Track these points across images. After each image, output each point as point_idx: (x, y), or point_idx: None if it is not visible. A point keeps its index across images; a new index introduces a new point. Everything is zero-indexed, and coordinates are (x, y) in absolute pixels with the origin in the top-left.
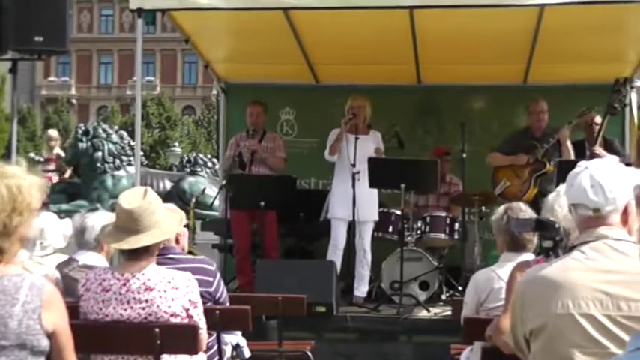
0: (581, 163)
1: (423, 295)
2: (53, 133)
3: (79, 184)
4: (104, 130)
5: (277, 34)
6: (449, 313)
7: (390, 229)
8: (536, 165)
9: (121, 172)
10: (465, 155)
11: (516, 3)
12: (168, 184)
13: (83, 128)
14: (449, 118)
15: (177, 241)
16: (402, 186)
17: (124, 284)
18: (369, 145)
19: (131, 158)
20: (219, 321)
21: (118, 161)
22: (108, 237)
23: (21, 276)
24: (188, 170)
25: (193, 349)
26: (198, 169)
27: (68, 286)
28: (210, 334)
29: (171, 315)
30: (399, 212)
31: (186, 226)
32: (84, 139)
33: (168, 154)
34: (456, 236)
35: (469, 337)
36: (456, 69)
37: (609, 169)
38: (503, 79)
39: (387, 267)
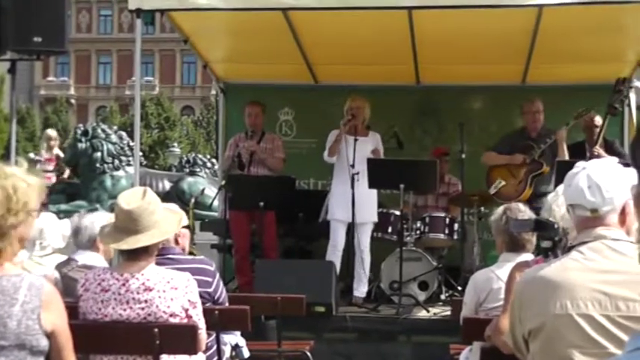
0: (579, 164)
1: (422, 296)
2: (52, 132)
3: (78, 184)
4: (103, 131)
5: (276, 35)
6: (448, 313)
7: (389, 230)
8: (532, 165)
9: (120, 173)
10: (463, 155)
11: (515, 3)
12: (168, 185)
13: (82, 128)
14: (448, 119)
15: (176, 241)
16: (401, 186)
17: (123, 284)
18: (368, 146)
19: (130, 158)
20: (218, 321)
21: (117, 161)
22: (107, 237)
23: (20, 276)
24: (187, 170)
25: (192, 350)
26: (198, 170)
27: (67, 287)
28: (209, 335)
29: (171, 315)
30: (398, 212)
31: (187, 226)
32: (83, 139)
33: (167, 154)
34: (455, 236)
35: (468, 337)
36: (455, 69)
37: (607, 170)
38: (501, 79)
39: (386, 267)
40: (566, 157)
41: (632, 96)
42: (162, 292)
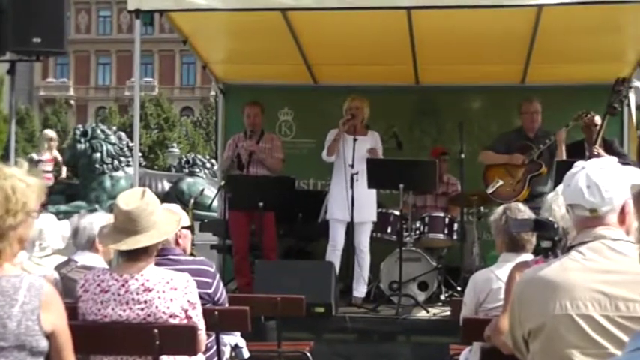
0: (578, 164)
1: (421, 296)
2: (52, 133)
3: (77, 185)
4: (102, 131)
5: (275, 35)
6: (448, 313)
7: (389, 230)
8: (531, 166)
9: (120, 173)
10: (463, 155)
11: (515, 3)
12: (167, 185)
13: (81, 129)
14: (447, 119)
15: (177, 242)
16: (401, 186)
17: (123, 285)
18: (368, 145)
19: (129, 159)
20: (218, 322)
21: (116, 162)
22: (106, 238)
23: (19, 277)
24: (186, 171)
25: (192, 350)
26: (197, 170)
27: (67, 287)
28: (209, 335)
29: (170, 316)
30: (397, 213)
31: (189, 227)
32: (82, 140)
33: (166, 154)
34: (454, 236)
35: (468, 337)
36: (454, 69)
37: (606, 169)
38: (501, 79)
39: (385, 267)
40: (564, 159)
41: (632, 96)
42: (162, 293)
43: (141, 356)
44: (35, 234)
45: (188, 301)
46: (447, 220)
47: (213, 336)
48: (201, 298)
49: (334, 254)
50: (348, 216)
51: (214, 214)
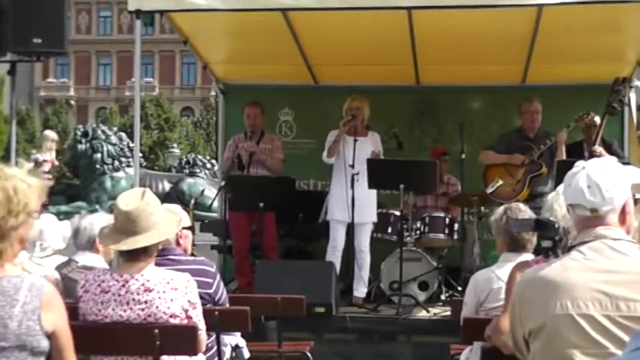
0: (579, 163)
1: (422, 296)
2: (53, 134)
3: (78, 185)
4: (103, 132)
5: (276, 35)
6: (448, 313)
7: (389, 230)
8: (531, 166)
9: (120, 174)
10: (463, 156)
11: (515, 3)
12: (167, 186)
13: (82, 130)
14: (447, 119)
15: (178, 242)
16: (401, 186)
17: (123, 285)
18: (368, 146)
19: (130, 159)
20: (218, 322)
21: (116, 162)
22: (106, 238)
23: (20, 277)
24: (187, 171)
25: (193, 350)
26: (197, 171)
27: (67, 288)
28: (209, 335)
29: (171, 316)
30: (397, 213)
31: (190, 228)
32: (83, 140)
33: (167, 155)
34: (455, 236)
35: (468, 337)
36: (455, 69)
37: (606, 169)
38: (501, 79)
39: (386, 267)
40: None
41: (632, 96)
42: (163, 293)
43: (141, 356)
44: (36, 234)
45: (188, 301)
46: (447, 220)
47: (214, 336)
48: (201, 298)
49: (334, 254)
50: (349, 216)
51: (215, 215)
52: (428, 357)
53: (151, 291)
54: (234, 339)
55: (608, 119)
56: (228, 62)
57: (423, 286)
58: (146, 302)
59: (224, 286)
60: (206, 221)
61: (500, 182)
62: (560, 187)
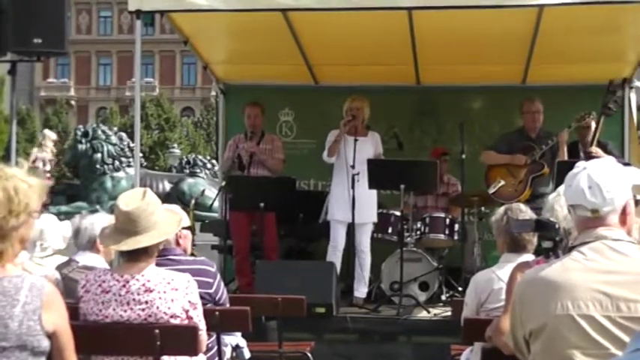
0: (580, 164)
1: (422, 296)
2: (53, 134)
3: (78, 185)
4: (103, 132)
5: (276, 36)
6: (449, 313)
7: (390, 230)
8: (533, 166)
9: (121, 174)
10: (464, 156)
11: (515, 3)
12: (168, 186)
13: (82, 130)
14: (447, 119)
15: (178, 243)
16: (402, 187)
17: (124, 286)
18: (368, 146)
19: (130, 159)
20: (219, 322)
21: (117, 162)
22: (107, 239)
23: (21, 277)
24: (187, 171)
25: (193, 351)
26: (198, 171)
27: (68, 288)
28: (210, 336)
29: (171, 316)
30: (398, 213)
31: (189, 228)
32: (83, 140)
33: (167, 155)
34: (455, 237)
35: (469, 337)
36: (455, 70)
37: (607, 170)
38: (502, 79)
39: (386, 268)
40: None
41: (633, 96)
42: (163, 294)
43: (142, 357)
44: (36, 234)
45: (189, 301)
46: (447, 220)
47: (214, 336)
48: (202, 298)
49: (335, 255)
50: (349, 217)
51: (215, 215)
52: (428, 357)
53: (151, 291)
54: (234, 339)
55: (605, 120)
56: (228, 62)
57: (424, 286)
58: (147, 302)
59: (224, 286)
60: (206, 221)
61: (503, 183)
62: (561, 188)
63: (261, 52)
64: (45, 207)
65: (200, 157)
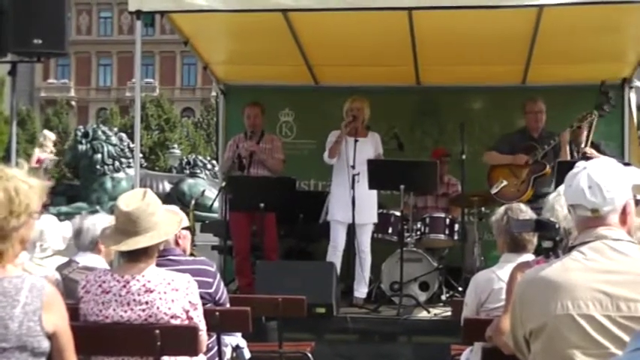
0: (580, 164)
1: (422, 296)
2: (52, 134)
3: (78, 186)
4: (103, 132)
5: (276, 36)
6: (449, 313)
7: (390, 231)
8: (535, 166)
9: (121, 174)
10: (464, 156)
11: (515, 4)
12: (168, 186)
13: (82, 130)
14: (448, 119)
15: (177, 243)
16: (402, 187)
17: (124, 286)
18: (368, 146)
19: (130, 160)
20: (219, 322)
21: (117, 163)
22: (107, 239)
23: (21, 278)
24: (187, 172)
25: (193, 351)
26: (198, 171)
27: (68, 288)
28: (210, 336)
29: (172, 317)
30: (398, 213)
31: (188, 228)
32: (83, 141)
33: (167, 155)
34: (455, 237)
35: (469, 337)
36: (455, 70)
37: (607, 170)
38: (502, 80)
39: (386, 268)
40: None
41: (633, 96)
42: (163, 294)
43: (142, 357)
44: (36, 235)
45: (189, 302)
46: (447, 220)
47: (215, 337)
48: (202, 298)
49: (335, 255)
50: (349, 217)
51: (215, 215)
52: (428, 357)
53: (151, 292)
54: (234, 339)
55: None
56: (228, 63)
57: (424, 286)
58: (147, 303)
59: (224, 286)
60: (207, 222)
61: (505, 183)
62: (561, 188)
63: (261, 52)
64: (45, 207)
65: (200, 157)
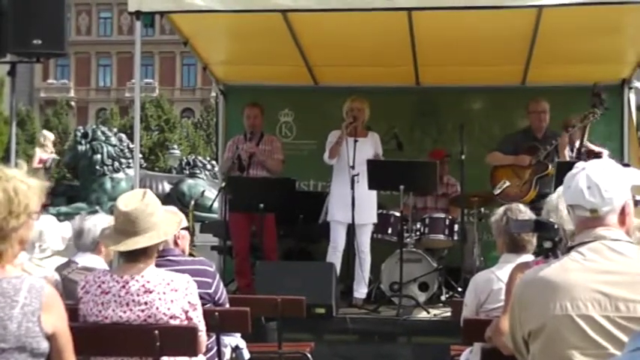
0: (579, 164)
1: (422, 297)
2: (51, 135)
3: (78, 186)
4: (103, 133)
5: (276, 36)
6: (448, 314)
7: (389, 231)
8: (538, 166)
9: (120, 175)
10: (463, 157)
11: (515, 4)
12: (167, 187)
13: (82, 131)
14: (447, 120)
15: (176, 243)
16: (401, 187)
17: (124, 286)
18: (368, 147)
19: (130, 160)
20: (218, 323)
21: (116, 163)
22: (106, 239)
23: (20, 278)
24: (187, 172)
25: (193, 351)
26: (197, 172)
27: (67, 289)
28: (209, 336)
29: (171, 317)
30: (397, 214)
31: (187, 228)
32: (83, 141)
33: (167, 156)
34: (455, 237)
35: (469, 338)
36: (455, 70)
37: (606, 170)
38: (501, 80)
39: (386, 268)
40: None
41: (632, 96)
42: (163, 294)
43: (141, 358)
44: (35, 235)
45: (189, 302)
46: (447, 221)
47: (214, 337)
48: (201, 298)
49: (335, 255)
50: (349, 217)
51: (215, 216)
52: (428, 358)
53: (151, 292)
54: (234, 340)
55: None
56: (228, 63)
57: (423, 287)
58: (146, 303)
59: (224, 286)
60: (206, 222)
61: (508, 183)
62: (561, 188)
63: (261, 52)
64: (45, 208)
65: (200, 158)
